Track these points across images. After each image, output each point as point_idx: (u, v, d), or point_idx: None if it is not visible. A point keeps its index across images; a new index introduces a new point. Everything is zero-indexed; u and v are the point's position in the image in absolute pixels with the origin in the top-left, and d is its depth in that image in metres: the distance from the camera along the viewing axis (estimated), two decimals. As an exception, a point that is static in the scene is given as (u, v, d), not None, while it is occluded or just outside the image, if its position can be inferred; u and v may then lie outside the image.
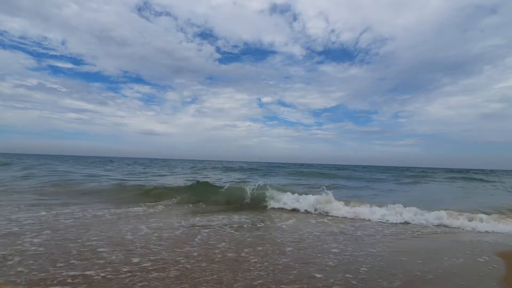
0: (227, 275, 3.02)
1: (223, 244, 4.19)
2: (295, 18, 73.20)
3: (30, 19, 69.84)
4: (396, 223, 6.44)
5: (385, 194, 12.15)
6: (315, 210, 7.54)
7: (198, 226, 5.37)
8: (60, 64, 74.18)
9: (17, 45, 69.18)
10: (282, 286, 2.82)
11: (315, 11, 74.69)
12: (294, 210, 7.72)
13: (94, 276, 2.86)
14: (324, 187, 8.45)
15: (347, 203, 8.02)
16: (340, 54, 78.68)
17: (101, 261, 3.26)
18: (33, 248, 3.63)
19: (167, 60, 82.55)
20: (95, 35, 75.37)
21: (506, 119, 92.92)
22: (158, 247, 3.88)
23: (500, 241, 5.10)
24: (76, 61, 74.81)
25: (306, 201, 7.93)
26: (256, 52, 79.17)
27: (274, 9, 72.59)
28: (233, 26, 78.87)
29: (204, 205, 8.13)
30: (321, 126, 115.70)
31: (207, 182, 11.15)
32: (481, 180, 23.02)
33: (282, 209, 7.92)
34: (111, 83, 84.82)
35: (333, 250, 4.09)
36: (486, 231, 5.85)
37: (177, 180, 14.85)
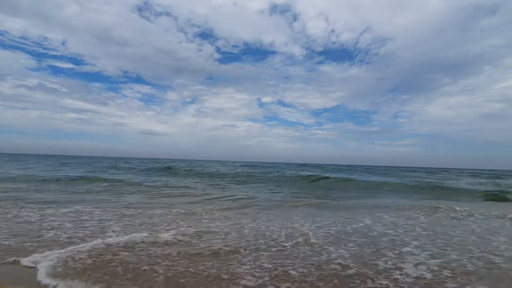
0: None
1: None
2: (295, 18, 73.32)
3: (30, 19, 69.80)
4: None
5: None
6: None
7: None
8: (60, 64, 74.11)
9: (18, 45, 69.10)
10: None
11: (315, 11, 74.84)
12: None
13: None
14: None
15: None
16: (340, 54, 78.81)
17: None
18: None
19: (167, 60, 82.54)
20: (95, 35, 75.35)
21: (506, 119, 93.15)
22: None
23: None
24: (76, 61, 74.76)
25: None
26: (256, 52, 79.22)
27: (274, 9, 72.68)
28: (233, 26, 78.96)
29: None
30: (321, 126, 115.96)
31: None
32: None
33: None
34: (111, 83, 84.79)
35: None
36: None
37: None
